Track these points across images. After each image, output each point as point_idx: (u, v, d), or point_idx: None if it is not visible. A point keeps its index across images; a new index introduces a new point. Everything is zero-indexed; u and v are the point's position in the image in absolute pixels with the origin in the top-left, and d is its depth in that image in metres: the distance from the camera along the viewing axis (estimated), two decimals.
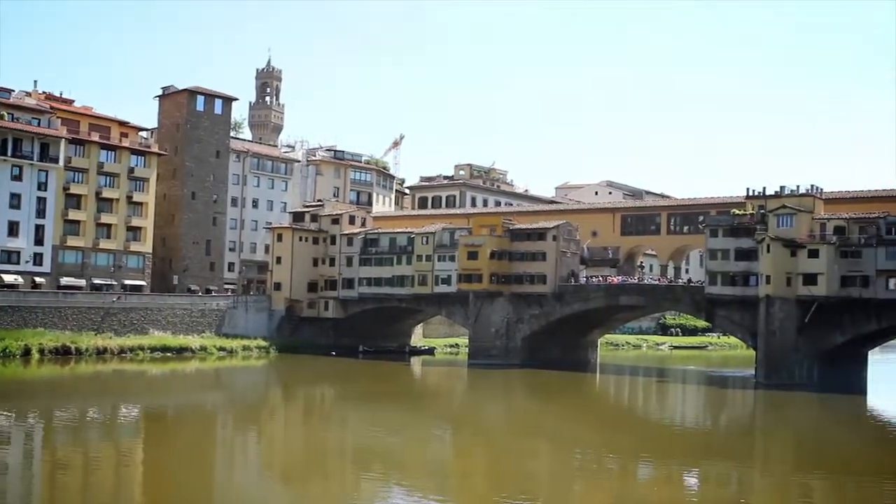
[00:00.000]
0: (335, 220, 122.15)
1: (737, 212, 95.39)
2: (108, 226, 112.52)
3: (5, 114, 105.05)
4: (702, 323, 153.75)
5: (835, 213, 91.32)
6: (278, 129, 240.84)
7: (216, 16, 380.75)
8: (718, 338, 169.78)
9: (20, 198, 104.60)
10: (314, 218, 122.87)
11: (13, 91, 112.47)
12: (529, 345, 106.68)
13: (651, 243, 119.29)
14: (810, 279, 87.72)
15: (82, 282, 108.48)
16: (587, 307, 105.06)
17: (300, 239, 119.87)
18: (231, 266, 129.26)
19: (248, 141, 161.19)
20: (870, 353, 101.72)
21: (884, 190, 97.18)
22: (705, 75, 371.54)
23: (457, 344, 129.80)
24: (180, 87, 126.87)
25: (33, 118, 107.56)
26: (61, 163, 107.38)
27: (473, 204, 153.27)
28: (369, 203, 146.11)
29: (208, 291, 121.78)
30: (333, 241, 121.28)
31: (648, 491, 43.08)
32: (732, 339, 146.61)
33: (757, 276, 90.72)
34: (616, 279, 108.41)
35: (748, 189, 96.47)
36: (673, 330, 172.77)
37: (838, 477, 46.79)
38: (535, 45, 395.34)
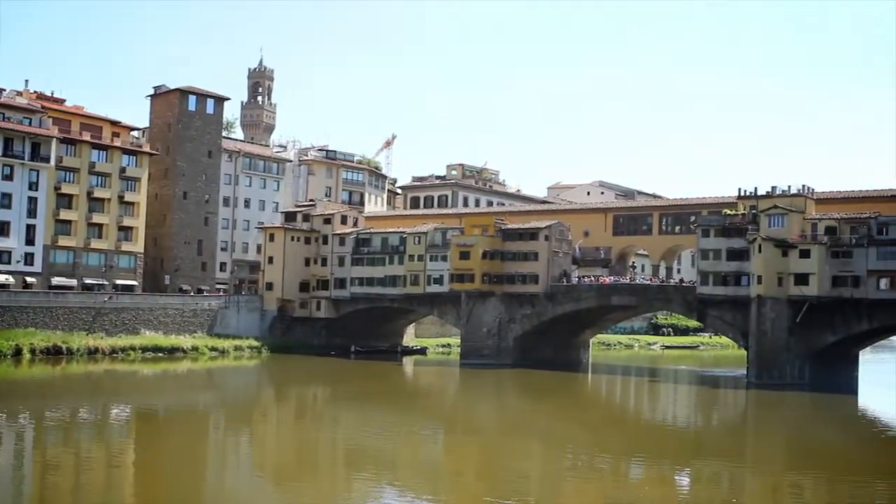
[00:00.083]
0: (327, 220, 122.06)
1: (728, 212, 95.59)
2: (100, 225, 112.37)
3: None
4: (693, 323, 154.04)
5: (826, 214, 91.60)
6: (270, 128, 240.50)
7: (208, 15, 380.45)
8: (710, 338, 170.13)
9: (11, 197, 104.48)
10: (306, 218, 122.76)
11: (4, 90, 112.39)
12: (521, 345, 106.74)
13: (643, 243, 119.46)
14: (802, 279, 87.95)
15: (73, 282, 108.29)
16: (579, 307, 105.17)
17: (292, 239, 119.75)
18: (223, 266, 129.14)
19: (240, 141, 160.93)
20: (861, 353, 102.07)
21: (875, 190, 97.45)
22: (698, 75, 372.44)
23: (449, 344, 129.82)
24: (172, 87, 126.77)
25: (24, 118, 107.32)
26: (52, 162, 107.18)
27: (465, 204, 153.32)
28: (361, 203, 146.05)
29: (200, 291, 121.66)
30: (325, 241, 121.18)
31: (640, 490, 43.14)
32: (724, 339, 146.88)
33: (748, 276, 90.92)
34: (608, 279, 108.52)
35: (740, 189, 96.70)
36: (665, 330, 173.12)
37: (829, 476, 46.89)
38: (528, 45, 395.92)
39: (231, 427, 61.94)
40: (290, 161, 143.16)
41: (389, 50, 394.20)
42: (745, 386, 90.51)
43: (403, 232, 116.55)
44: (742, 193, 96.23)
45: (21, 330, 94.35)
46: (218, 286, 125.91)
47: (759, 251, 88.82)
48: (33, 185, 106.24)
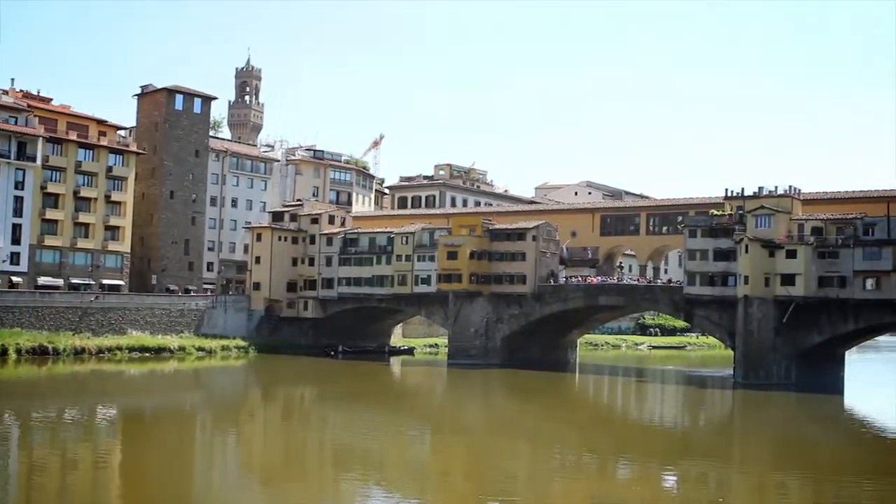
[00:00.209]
0: (315, 220, 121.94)
1: (715, 212, 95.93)
2: (86, 225, 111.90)
3: None
4: (680, 323, 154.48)
5: (812, 214, 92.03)
6: (258, 128, 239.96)
7: (196, 15, 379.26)
8: (697, 338, 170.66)
9: None
10: (293, 217, 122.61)
11: None
12: (509, 345, 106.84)
13: (630, 243, 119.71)
14: (788, 279, 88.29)
15: (60, 281, 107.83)
16: (566, 307, 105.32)
17: (279, 238, 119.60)
18: (210, 266, 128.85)
19: (228, 140, 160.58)
20: (847, 353, 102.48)
21: (861, 191, 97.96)
22: (697, 75, 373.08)
23: (436, 344, 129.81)
24: (159, 86, 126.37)
25: (10, 116, 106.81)
26: (39, 161, 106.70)
27: (453, 204, 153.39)
28: (349, 203, 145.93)
29: (187, 291, 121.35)
30: (313, 241, 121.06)
31: (628, 490, 43.21)
32: (711, 339, 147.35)
33: (735, 277, 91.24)
34: (595, 279, 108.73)
35: (727, 190, 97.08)
36: (652, 330, 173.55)
37: (815, 476, 47.06)
38: (515, 45, 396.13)
39: (218, 427, 61.76)
40: (278, 161, 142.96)
41: (377, 50, 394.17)
42: (731, 386, 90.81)
43: (391, 232, 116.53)
44: (729, 194, 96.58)
45: (7, 330, 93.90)
46: (205, 286, 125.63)
47: (746, 251, 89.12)
48: (19, 185, 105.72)
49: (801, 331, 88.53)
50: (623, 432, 63.67)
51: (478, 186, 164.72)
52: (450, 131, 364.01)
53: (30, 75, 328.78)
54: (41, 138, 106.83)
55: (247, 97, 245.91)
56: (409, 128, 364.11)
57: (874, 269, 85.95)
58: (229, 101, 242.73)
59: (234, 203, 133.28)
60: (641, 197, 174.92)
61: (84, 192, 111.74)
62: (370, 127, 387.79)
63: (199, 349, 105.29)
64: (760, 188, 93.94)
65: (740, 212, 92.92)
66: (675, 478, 46.82)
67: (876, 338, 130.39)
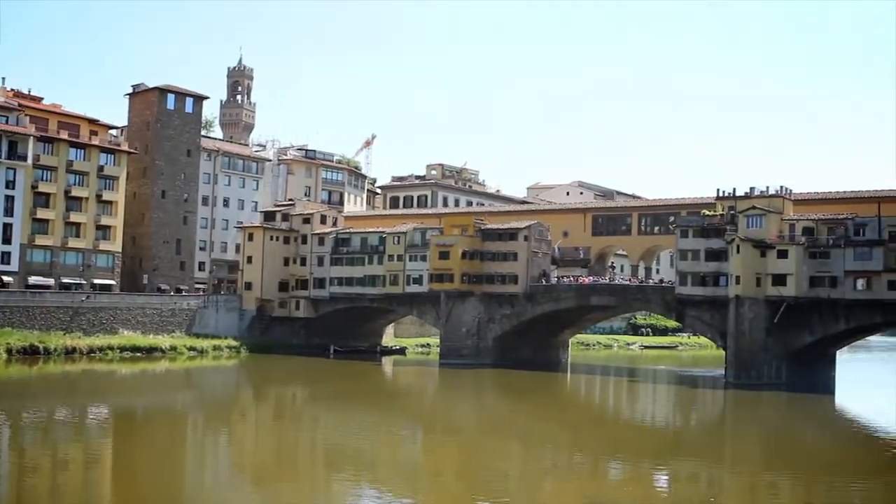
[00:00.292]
0: (306, 220, 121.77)
1: (707, 212, 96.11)
2: (78, 224, 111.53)
3: None
4: (672, 323, 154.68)
5: (804, 214, 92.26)
6: (249, 127, 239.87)
7: (188, 14, 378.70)
8: (689, 338, 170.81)
9: None
10: (285, 217, 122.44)
11: None
12: (501, 345, 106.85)
13: (622, 243, 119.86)
14: (779, 280, 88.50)
15: (51, 281, 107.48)
16: (558, 307, 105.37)
17: (271, 238, 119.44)
18: (201, 265, 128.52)
19: (219, 140, 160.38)
20: (838, 353, 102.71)
21: (852, 191, 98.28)
22: (686, 76, 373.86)
23: (428, 344, 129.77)
24: (151, 86, 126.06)
25: (1, 116, 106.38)
26: (30, 161, 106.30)
27: (445, 204, 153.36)
28: (341, 202, 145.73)
29: (178, 291, 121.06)
30: (304, 241, 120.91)
31: (619, 490, 43.28)
32: (702, 339, 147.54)
33: (727, 277, 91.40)
34: (587, 279, 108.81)
35: (718, 190, 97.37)
36: (643, 330, 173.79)
37: (806, 475, 47.20)
38: (508, 45, 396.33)
39: (210, 427, 61.66)
40: (270, 160, 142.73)
41: (369, 50, 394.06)
42: (723, 386, 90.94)
43: (383, 232, 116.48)
44: (720, 194, 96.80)
45: None
46: (197, 286, 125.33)
47: (738, 252, 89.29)
48: (10, 184, 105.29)
49: (792, 331, 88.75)
50: (615, 432, 63.74)
51: (470, 186, 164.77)
52: (442, 131, 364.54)
53: (21, 74, 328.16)
54: (32, 137, 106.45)
55: (239, 97, 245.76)
56: (401, 128, 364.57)
57: (865, 269, 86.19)
58: (221, 101, 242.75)
59: (226, 203, 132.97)
60: (633, 197, 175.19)
61: (75, 192, 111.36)
62: (362, 127, 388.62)
63: (191, 349, 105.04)
64: (752, 188, 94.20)
65: (732, 212, 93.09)
66: (666, 477, 46.93)
67: (867, 338, 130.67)
